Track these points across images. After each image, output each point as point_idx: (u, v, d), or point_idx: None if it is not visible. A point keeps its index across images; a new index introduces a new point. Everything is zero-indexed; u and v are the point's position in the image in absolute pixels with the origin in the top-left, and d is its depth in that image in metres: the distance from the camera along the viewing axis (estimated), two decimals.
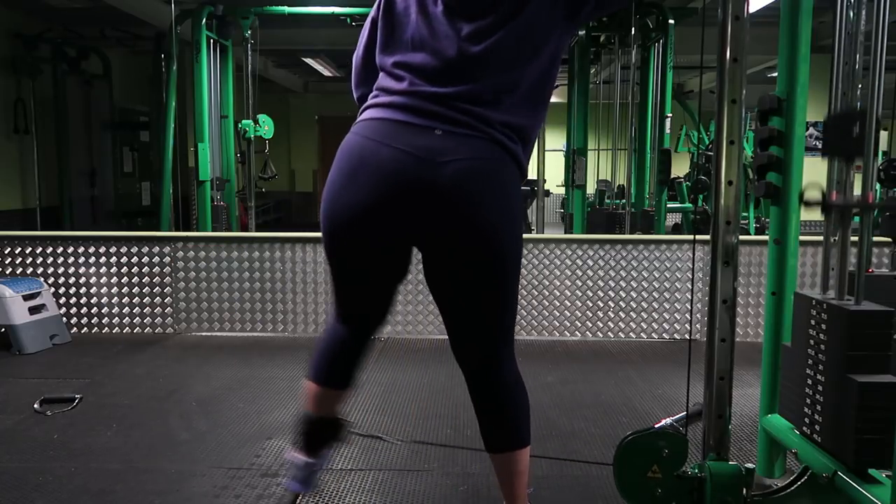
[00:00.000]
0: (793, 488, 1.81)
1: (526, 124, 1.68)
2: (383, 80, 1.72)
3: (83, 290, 4.44)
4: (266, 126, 6.89)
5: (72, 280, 4.43)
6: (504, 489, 1.83)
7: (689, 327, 4.33)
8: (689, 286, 4.33)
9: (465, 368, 1.81)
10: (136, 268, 4.44)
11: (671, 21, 6.53)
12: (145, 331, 4.46)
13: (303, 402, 1.94)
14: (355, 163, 1.63)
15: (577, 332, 4.41)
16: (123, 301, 4.45)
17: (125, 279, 4.44)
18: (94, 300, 4.44)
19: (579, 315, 4.41)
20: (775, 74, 2.18)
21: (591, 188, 8.26)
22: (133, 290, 4.45)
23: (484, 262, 1.66)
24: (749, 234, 8.10)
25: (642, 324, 4.40)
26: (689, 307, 4.33)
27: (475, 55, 1.63)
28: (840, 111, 1.91)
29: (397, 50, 1.70)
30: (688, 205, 8.78)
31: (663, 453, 1.71)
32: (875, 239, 3.11)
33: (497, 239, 1.64)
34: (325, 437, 1.95)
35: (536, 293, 4.39)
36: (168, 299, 4.45)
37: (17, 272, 4.40)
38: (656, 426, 2.63)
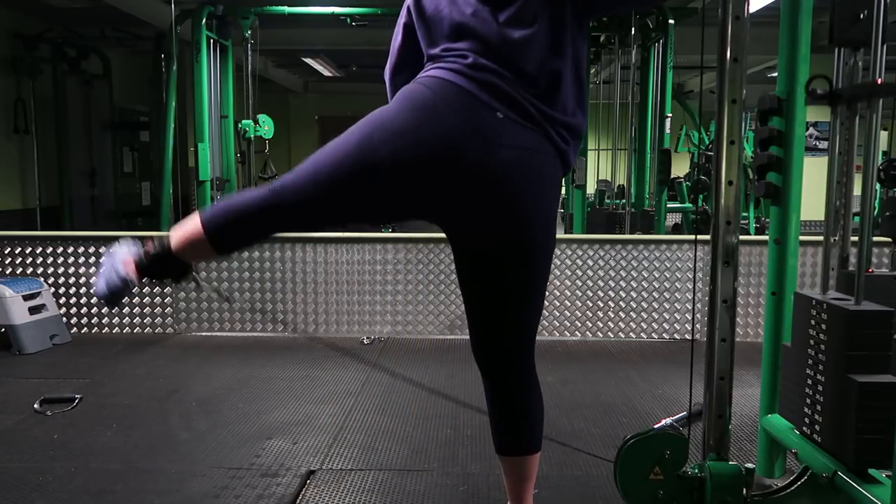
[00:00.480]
0: (793, 488, 1.81)
1: (577, 124, 1.65)
2: (442, 59, 1.64)
3: (83, 290, 4.43)
4: (266, 126, 6.90)
5: (72, 280, 4.43)
6: (511, 492, 1.83)
7: (689, 327, 4.33)
8: (689, 286, 4.33)
9: (486, 370, 1.79)
10: None
11: (671, 21, 6.53)
12: (145, 331, 4.46)
13: (177, 233, 1.67)
14: (421, 117, 1.54)
15: (577, 332, 4.41)
16: (123, 301, 4.44)
17: None
18: (94, 300, 4.44)
19: (579, 315, 4.41)
20: (775, 74, 2.18)
21: (591, 188, 8.27)
22: (133, 290, 4.44)
23: (514, 257, 1.63)
24: (749, 234, 8.10)
25: (642, 324, 4.40)
26: (690, 307, 4.33)
27: (518, 42, 1.58)
28: None
29: (441, 42, 1.65)
30: (688, 205, 8.78)
31: (665, 455, 1.71)
32: (875, 239, 3.11)
33: (532, 235, 1.62)
34: (167, 274, 1.77)
35: None
36: (168, 299, 4.45)
37: (17, 272, 4.40)
38: (656, 426, 2.63)
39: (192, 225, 1.65)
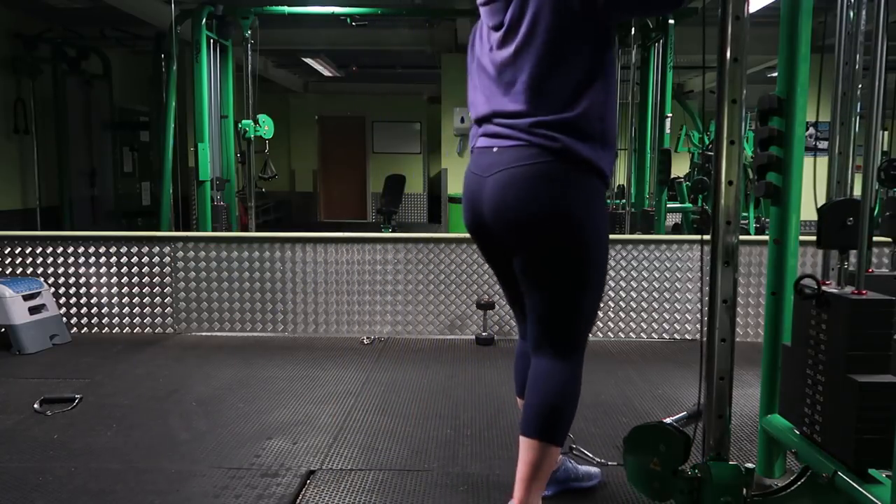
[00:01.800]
0: (793, 488, 1.81)
1: (568, 120, 1.75)
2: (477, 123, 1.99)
3: (83, 290, 4.44)
4: (266, 126, 6.89)
5: (72, 280, 4.43)
6: (517, 473, 1.87)
7: (689, 327, 4.33)
8: (689, 286, 4.33)
9: (531, 351, 1.95)
10: (136, 268, 4.45)
11: (671, 21, 6.52)
12: (145, 331, 4.46)
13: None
14: (465, 188, 1.97)
15: None
16: (123, 301, 4.45)
17: (125, 279, 4.45)
18: (94, 300, 4.44)
19: None
20: (775, 74, 2.17)
21: None
22: (133, 290, 4.45)
23: (533, 257, 1.83)
24: (749, 234, 8.09)
25: (642, 324, 4.40)
26: (690, 307, 4.32)
27: (502, 62, 1.81)
28: (834, 202, 1.91)
29: (472, 76, 1.97)
30: (688, 205, 8.77)
31: (660, 449, 1.73)
32: (875, 239, 3.11)
33: (539, 236, 1.79)
34: None
35: None
36: (168, 299, 4.45)
37: (17, 272, 4.40)
38: None
39: (519, 405, 2.12)
